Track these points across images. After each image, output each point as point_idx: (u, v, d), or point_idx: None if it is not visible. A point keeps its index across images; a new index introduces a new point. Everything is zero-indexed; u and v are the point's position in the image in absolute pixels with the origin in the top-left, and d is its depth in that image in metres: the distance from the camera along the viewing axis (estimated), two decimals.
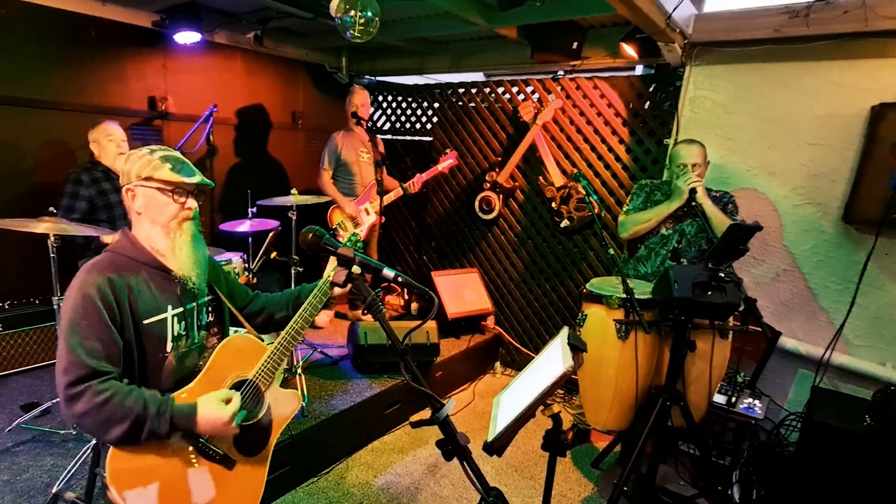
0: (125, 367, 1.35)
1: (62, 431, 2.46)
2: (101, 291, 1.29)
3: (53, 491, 2.07)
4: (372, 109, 5.04)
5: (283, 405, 1.60)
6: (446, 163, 3.99)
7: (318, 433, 2.65)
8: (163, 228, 1.41)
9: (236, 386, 1.48)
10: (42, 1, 3.13)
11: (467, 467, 1.14)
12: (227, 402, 1.40)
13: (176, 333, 1.43)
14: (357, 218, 3.85)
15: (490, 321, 4.15)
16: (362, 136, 3.90)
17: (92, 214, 2.82)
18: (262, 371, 1.51)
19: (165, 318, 1.41)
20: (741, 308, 2.16)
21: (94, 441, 2.10)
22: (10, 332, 2.98)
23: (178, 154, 1.45)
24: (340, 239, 3.76)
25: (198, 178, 1.42)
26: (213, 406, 1.37)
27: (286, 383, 2.92)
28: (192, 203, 1.43)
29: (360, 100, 3.84)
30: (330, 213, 3.83)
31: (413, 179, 3.89)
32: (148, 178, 1.37)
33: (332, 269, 1.58)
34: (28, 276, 3.18)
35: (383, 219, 3.93)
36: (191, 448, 1.39)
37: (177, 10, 3.51)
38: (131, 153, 1.41)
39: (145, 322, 1.37)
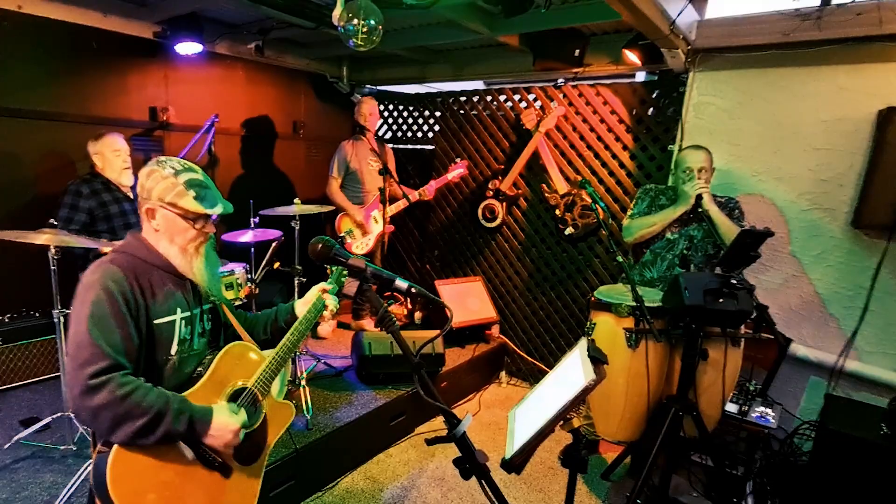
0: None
1: (62, 447, 2.41)
2: (121, 286, 1.30)
3: None
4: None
5: (277, 415, 1.64)
6: (456, 171, 4.01)
7: (322, 446, 2.61)
8: (180, 249, 1.44)
9: (236, 393, 1.50)
10: (44, 13, 3.12)
11: (486, 487, 1.10)
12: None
13: (181, 337, 1.44)
14: (365, 226, 3.84)
15: (495, 330, 4.11)
16: (371, 144, 3.89)
17: (91, 226, 2.79)
18: (260, 380, 1.54)
19: (174, 321, 1.42)
20: (753, 315, 2.13)
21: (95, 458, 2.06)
22: (10, 345, 2.93)
23: (200, 177, 1.44)
24: (349, 247, 3.75)
25: (220, 207, 1.44)
26: (227, 414, 1.40)
27: (290, 395, 2.88)
28: (210, 228, 1.47)
29: (368, 109, 3.84)
30: (338, 221, 3.82)
31: (426, 186, 3.94)
32: (171, 204, 1.38)
33: (314, 291, 1.68)
34: (27, 289, 3.14)
35: (392, 227, 3.92)
36: (191, 454, 1.38)
37: (178, 21, 3.50)
38: (154, 170, 1.39)
39: (156, 322, 1.38)
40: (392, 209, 3.86)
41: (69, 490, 2.08)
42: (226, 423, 1.37)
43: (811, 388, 2.86)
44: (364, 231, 3.85)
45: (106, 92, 3.49)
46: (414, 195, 3.96)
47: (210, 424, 1.35)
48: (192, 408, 1.33)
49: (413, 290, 1.29)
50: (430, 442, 1.19)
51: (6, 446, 2.39)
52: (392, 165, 4.06)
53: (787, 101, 2.82)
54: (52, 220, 2.33)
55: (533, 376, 4.03)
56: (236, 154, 4.34)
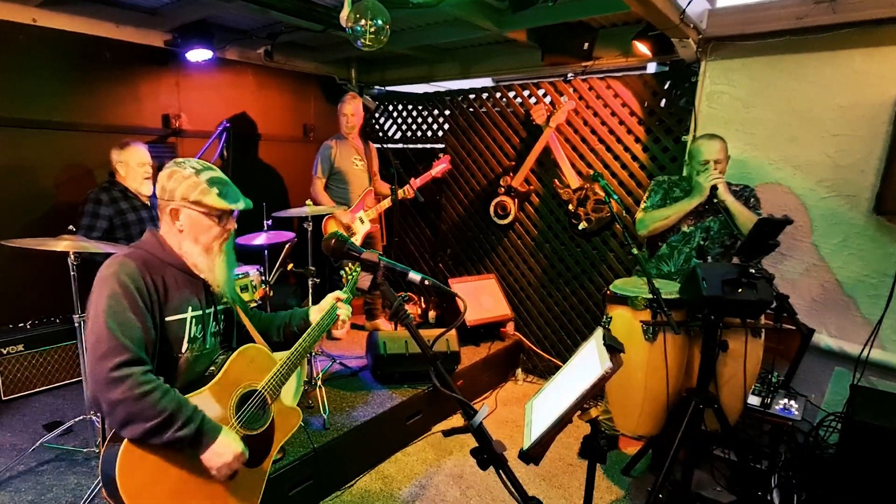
0: None
1: (85, 450, 2.44)
2: (135, 280, 1.33)
3: None
4: (383, 119, 5.06)
5: (285, 420, 1.65)
6: (439, 167, 3.94)
7: (340, 445, 2.61)
8: (203, 248, 1.46)
9: (246, 395, 1.52)
10: (58, 26, 3.18)
11: (504, 476, 1.09)
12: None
13: (192, 335, 1.46)
14: (351, 227, 3.78)
15: (509, 327, 4.09)
16: (355, 143, 3.87)
17: (111, 233, 2.84)
18: (271, 384, 1.55)
19: (185, 319, 1.44)
20: (773, 305, 2.08)
21: None
22: (32, 351, 2.99)
23: (220, 174, 1.46)
24: None
25: (241, 203, 1.46)
26: (234, 437, 1.41)
27: (306, 396, 2.89)
28: (231, 224, 1.49)
29: (351, 109, 3.78)
30: (325, 224, 3.74)
31: (406, 186, 3.79)
32: (196, 202, 1.39)
33: (329, 299, 1.71)
34: (48, 296, 3.20)
35: (378, 227, 3.91)
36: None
37: (188, 29, 3.56)
38: (174, 170, 1.42)
39: (167, 319, 1.40)
40: (376, 208, 3.84)
41: (93, 492, 2.11)
42: (229, 445, 1.37)
43: (836, 379, 2.79)
44: (350, 233, 3.79)
45: (120, 100, 3.55)
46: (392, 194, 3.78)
47: (215, 441, 1.35)
48: (203, 419, 1.34)
49: (426, 282, 1.28)
50: (447, 433, 1.19)
51: (31, 450, 2.43)
52: (375, 164, 4.02)
53: (803, 87, 2.76)
54: (70, 227, 2.37)
55: (549, 373, 3.99)
56: (248, 158, 4.39)
